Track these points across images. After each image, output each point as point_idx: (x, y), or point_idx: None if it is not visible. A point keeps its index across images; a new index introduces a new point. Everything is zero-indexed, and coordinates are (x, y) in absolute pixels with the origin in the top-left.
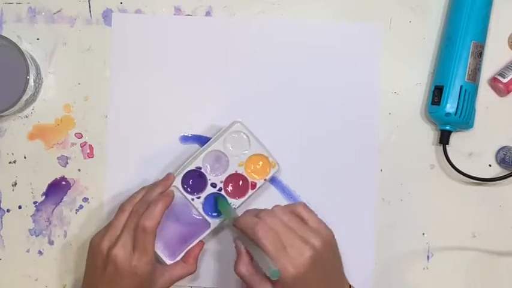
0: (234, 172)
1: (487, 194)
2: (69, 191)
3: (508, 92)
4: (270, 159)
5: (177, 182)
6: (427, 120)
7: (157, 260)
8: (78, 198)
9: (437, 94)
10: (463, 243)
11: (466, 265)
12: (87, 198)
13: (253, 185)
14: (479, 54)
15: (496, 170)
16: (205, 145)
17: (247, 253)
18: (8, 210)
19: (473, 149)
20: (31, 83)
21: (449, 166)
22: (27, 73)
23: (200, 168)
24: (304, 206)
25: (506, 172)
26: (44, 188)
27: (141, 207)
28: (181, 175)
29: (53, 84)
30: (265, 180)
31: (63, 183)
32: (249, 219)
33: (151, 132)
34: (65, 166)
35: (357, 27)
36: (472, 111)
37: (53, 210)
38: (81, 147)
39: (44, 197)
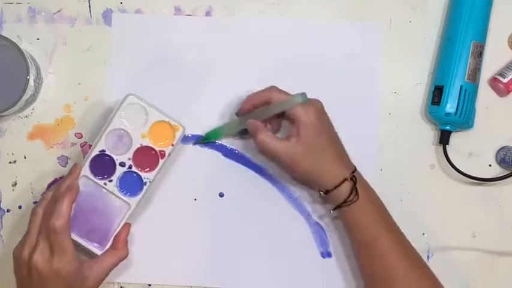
0: (139, 146)
1: (487, 194)
2: None
3: (508, 92)
4: (172, 123)
5: (85, 171)
6: (427, 120)
7: (90, 253)
8: None
9: (437, 94)
10: (463, 243)
11: (466, 265)
12: None
13: (162, 154)
14: (479, 54)
15: (496, 170)
16: (104, 127)
17: (262, 123)
18: (8, 210)
19: (473, 149)
20: (31, 83)
21: (449, 166)
22: (27, 73)
23: (104, 151)
24: None
25: (506, 172)
26: (44, 188)
27: (51, 208)
28: (88, 162)
29: (53, 84)
30: (172, 145)
31: None
32: (257, 92)
33: None
34: (65, 166)
35: (357, 27)
36: (472, 111)
37: None
38: (81, 147)
39: None
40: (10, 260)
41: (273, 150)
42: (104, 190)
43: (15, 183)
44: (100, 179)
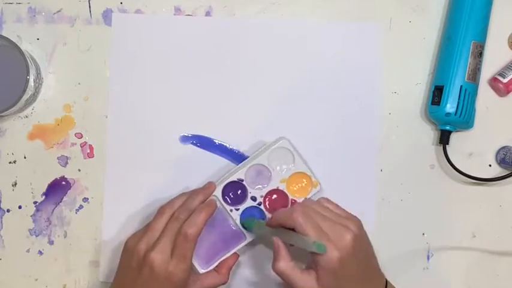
0: (275, 188)
1: (487, 194)
2: (69, 191)
3: (508, 92)
4: (313, 178)
5: (218, 192)
6: (427, 120)
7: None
8: (78, 198)
9: (437, 94)
10: (463, 243)
11: (466, 265)
12: (87, 198)
13: (293, 203)
14: (479, 54)
15: (496, 170)
16: (249, 158)
17: (285, 248)
18: (8, 210)
19: (473, 149)
20: (31, 83)
21: (449, 166)
22: (27, 73)
23: (242, 180)
24: (328, 199)
25: (506, 172)
26: (44, 188)
27: (182, 214)
28: (223, 185)
29: (53, 84)
30: (306, 199)
31: (63, 183)
32: (285, 211)
33: (151, 132)
34: (65, 166)
35: (357, 27)
36: (472, 111)
37: (53, 210)
38: (81, 147)
39: (44, 197)
40: (10, 260)
41: (291, 281)
42: (228, 216)
43: (15, 183)
44: (228, 204)
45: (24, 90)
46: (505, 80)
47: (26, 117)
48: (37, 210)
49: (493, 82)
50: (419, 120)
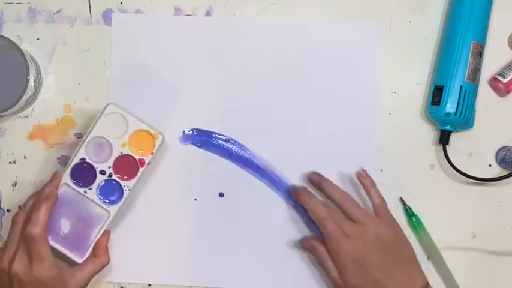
0: (119, 154)
1: (487, 194)
2: None
3: (508, 92)
4: (152, 131)
5: (66, 179)
6: (427, 120)
7: (71, 261)
8: None
9: (437, 94)
10: (463, 243)
11: (466, 265)
12: None
13: (142, 162)
14: (479, 54)
15: (496, 170)
16: (85, 135)
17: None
18: (8, 210)
19: (473, 149)
20: (31, 83)
21: (449, 166)
22: (27, 73)
23: (85, 159)
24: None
25: (506, 172)
26: None
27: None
28: (68, 170)
29: (53, 84)
30: (152, 154)
31: None
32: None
33: None
34: (65, 166)
35: (357, 27)
36: (472, 111)
37: None
38: None
39: None
40: None
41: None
42: (84, 198)
43: (15, 183)
44: (80, 186)
45: (24, 90)
46: (505, 80)
47: (26, 117)
48: None
49: (493, 82)
50: (419, 120)
